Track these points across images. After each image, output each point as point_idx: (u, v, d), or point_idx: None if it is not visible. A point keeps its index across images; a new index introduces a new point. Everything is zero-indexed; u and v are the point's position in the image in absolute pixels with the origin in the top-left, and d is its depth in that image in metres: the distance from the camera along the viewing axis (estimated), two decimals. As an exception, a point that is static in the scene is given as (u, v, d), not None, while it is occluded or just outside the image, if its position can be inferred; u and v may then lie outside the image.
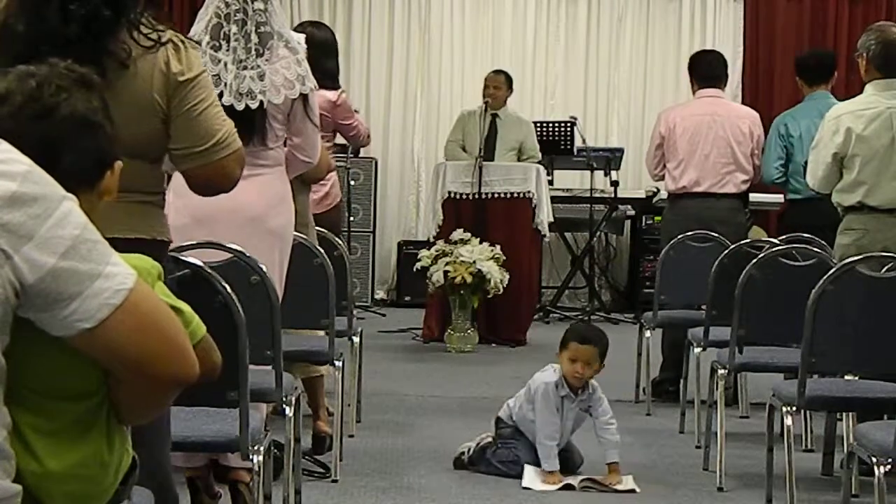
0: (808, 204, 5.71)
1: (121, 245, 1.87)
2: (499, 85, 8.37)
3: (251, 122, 3.79)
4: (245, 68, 3.77)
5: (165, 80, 2.59)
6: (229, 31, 3.78)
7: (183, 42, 2.63)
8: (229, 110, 3.66)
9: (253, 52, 3.79)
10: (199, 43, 3.27)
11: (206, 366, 1.83)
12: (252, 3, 3.79)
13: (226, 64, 3.75)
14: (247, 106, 3.75)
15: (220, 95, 3.74)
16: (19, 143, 1.67)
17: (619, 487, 4.39)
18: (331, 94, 5.42)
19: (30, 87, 1.83)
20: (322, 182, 5.34)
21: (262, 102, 3.78)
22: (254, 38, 3.79)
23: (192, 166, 2.69)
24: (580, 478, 4.44)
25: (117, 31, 2.53)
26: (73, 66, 1.91)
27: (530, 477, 4.47)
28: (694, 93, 6.42)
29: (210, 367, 1.91)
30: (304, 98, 3.89)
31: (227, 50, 3.76)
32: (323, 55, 5.24)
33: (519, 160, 8.44)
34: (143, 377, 1.71)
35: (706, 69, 6.38)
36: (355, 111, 5.80)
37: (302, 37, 4.65)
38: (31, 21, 2.48)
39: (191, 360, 1.74)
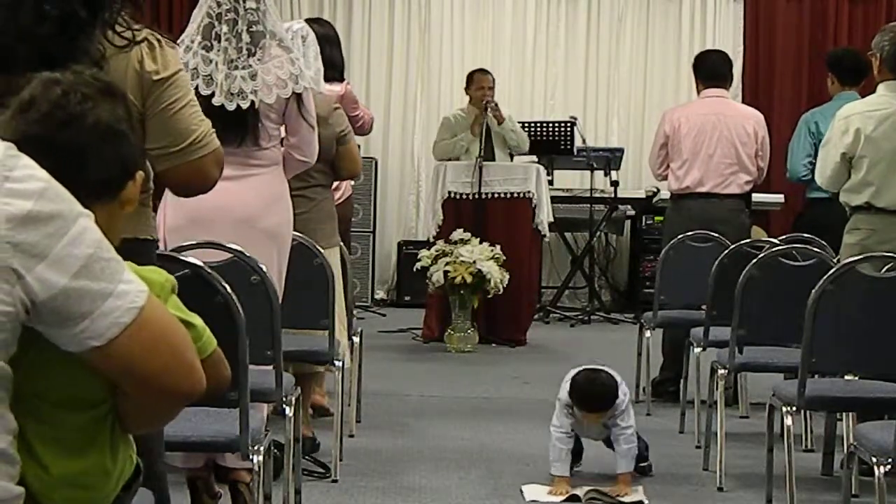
0: (831, 202, 5.65)
1: None
2: (491, 84, 8.38)
3: (243, 122, 3.79)
4: (236, 68, 3.77)
5: (139, 79, 2.57)
6: (220, 30, 3.78)
7: (159, 41, 2.60)
8: (220, 110, 3.67)
9: (244, 52, 3.78)
10: (177, 42, 3.24)
11: (213, 380, 1.83)
12: (244, 2, 3.78)
13: (216, 64, 3.75)
14: (238, 106, 3.75)
15: (212, 95, 3.74)
16: (44, 150, 1.66)
17: (625, 500, 4.26)
18: (337, 88, 5.43)
19: (56, 95, 1.81)
20: None
21: (253, 102, 3.78)
22: (245, 37, 3.78)
23: (168, 166, 2.65)
24: (586, 489, 4.32)
25: (92, 30, 2.51)
26: (98, 75, 1.90)
27: (534, 490, 4.33)
28: (698, 92, 6.40)
29: (218, 381, 1.90)
30: (298, 97, 3.88)
31: (218, 50, 3.76)
32: (326, 47, 5.25)
33: (511, 152, 8.44)
34: (149, 392, 1.71)
35: (711, 69, 6.37)
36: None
37: (307, 27, 4.66)
38: (4, 22, 2.46)
39: (198, 376, 1.74)
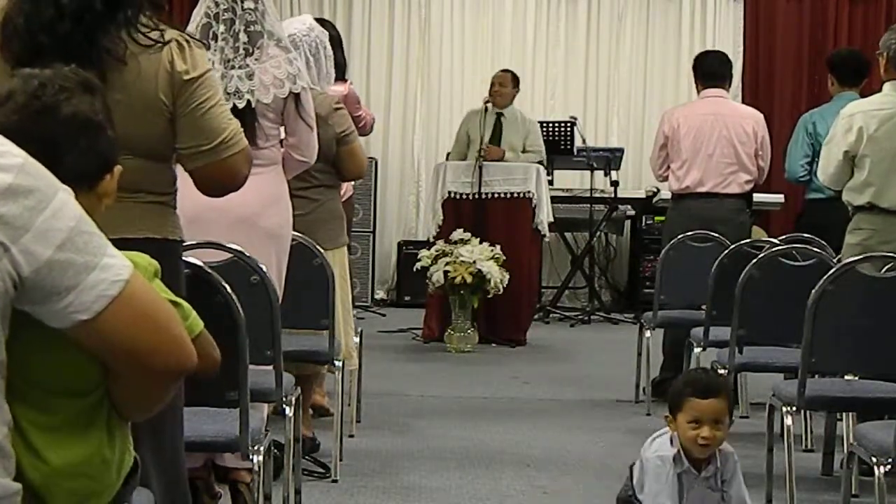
0: (830, 203, 5.64)
1: (132, 245, 1.88)
2: (504, 83, 8.35)
3: (240, 122, 3.79)
4: (233, 68, 3.77)
5: (170, 79, 2.60)
6: (217, 30, 3.78)
7: (188, 41, 2.64)
8: None
9: (241, 52, 3.78)
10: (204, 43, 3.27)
11: (204, 361, 1.84)
12: (242, 2, 3.78)
13: (213, 63, 3.75)
14: (234, 105, 3.75)
15: None
16: (21, 140, 1.67)
17: None
18: (340, 88, 5.44)
19: (32, 87, 1.85)
20: None
21: (249, 102, 3.78)
22: (242, 37, 3.79)
23: (198, 165, 2.70)
24: None
25: (111, 26, 2.53)
26: (76, 70, 1.93)
27: None
28: (698, 92, 6.41)
29: (209, 362, 1.91)
30: (297, 97, 3.88)
31: (215, 50, 3.76)
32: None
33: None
34: (139, 368, 1.71)
35: (710, 69, 6.37)
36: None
37: (324, 33, 4.66)
38: (29, 14, 2.50)
39: (187, 350, 1.74)
